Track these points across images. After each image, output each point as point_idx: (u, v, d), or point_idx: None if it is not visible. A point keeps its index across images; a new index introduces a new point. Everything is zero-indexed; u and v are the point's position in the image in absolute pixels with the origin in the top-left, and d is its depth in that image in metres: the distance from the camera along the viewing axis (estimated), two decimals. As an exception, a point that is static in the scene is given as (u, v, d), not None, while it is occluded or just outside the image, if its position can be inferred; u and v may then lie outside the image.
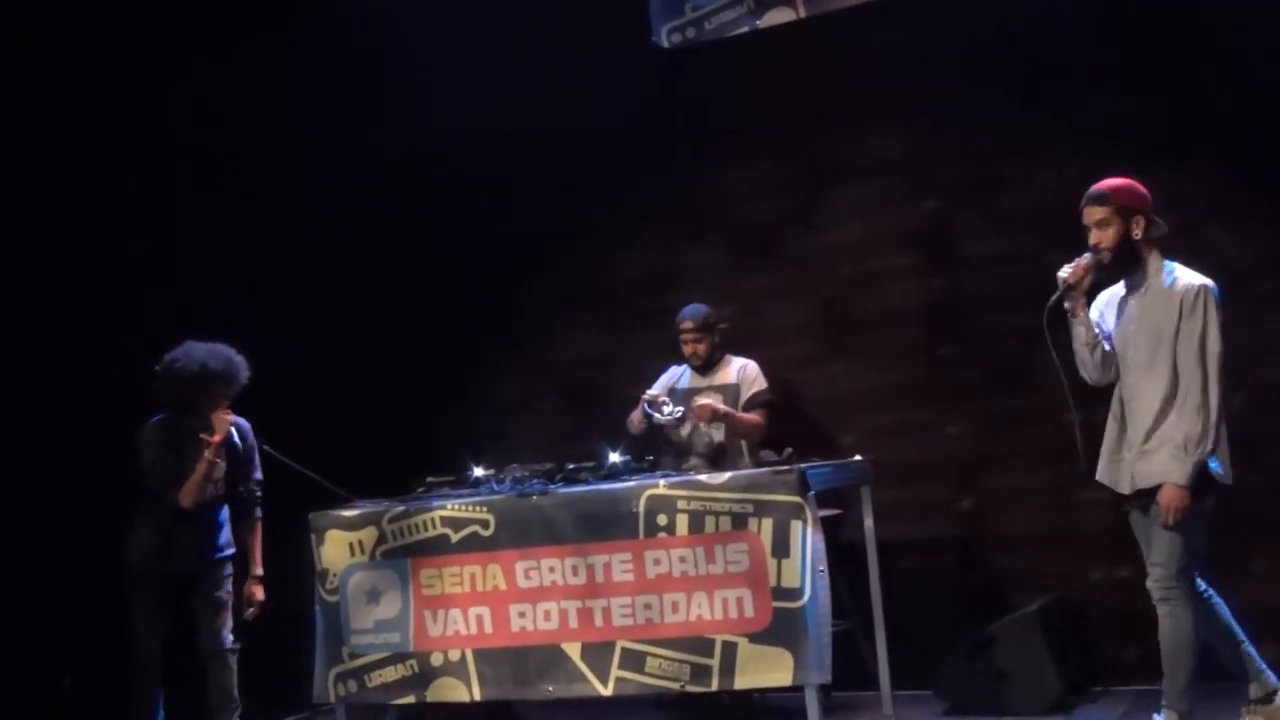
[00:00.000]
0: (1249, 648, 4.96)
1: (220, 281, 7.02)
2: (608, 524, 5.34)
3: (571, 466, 5.67)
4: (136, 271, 6.91)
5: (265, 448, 5.88)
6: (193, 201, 7.19)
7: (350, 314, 7.39)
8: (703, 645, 5.15)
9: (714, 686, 5.17)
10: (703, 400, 6.22)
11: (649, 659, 5.24)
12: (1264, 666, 4.97)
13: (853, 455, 5.95)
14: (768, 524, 5.09)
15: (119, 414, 5.87)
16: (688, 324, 6.38)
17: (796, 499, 5.07)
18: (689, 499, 5.23)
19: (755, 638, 5.07)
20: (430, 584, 5.61)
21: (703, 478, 5.32)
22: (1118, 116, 6.24)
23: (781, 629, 5.03)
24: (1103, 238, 4.80)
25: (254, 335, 5.89)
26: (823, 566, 5.05)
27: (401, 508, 5.70)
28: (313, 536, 5.81)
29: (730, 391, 6.38)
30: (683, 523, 5.22)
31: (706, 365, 6.42)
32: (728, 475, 5.28)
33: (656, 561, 5.26)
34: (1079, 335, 4.91)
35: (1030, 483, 6.37)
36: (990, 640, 5.76)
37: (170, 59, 7.03)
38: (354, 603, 5.73)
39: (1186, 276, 4.78)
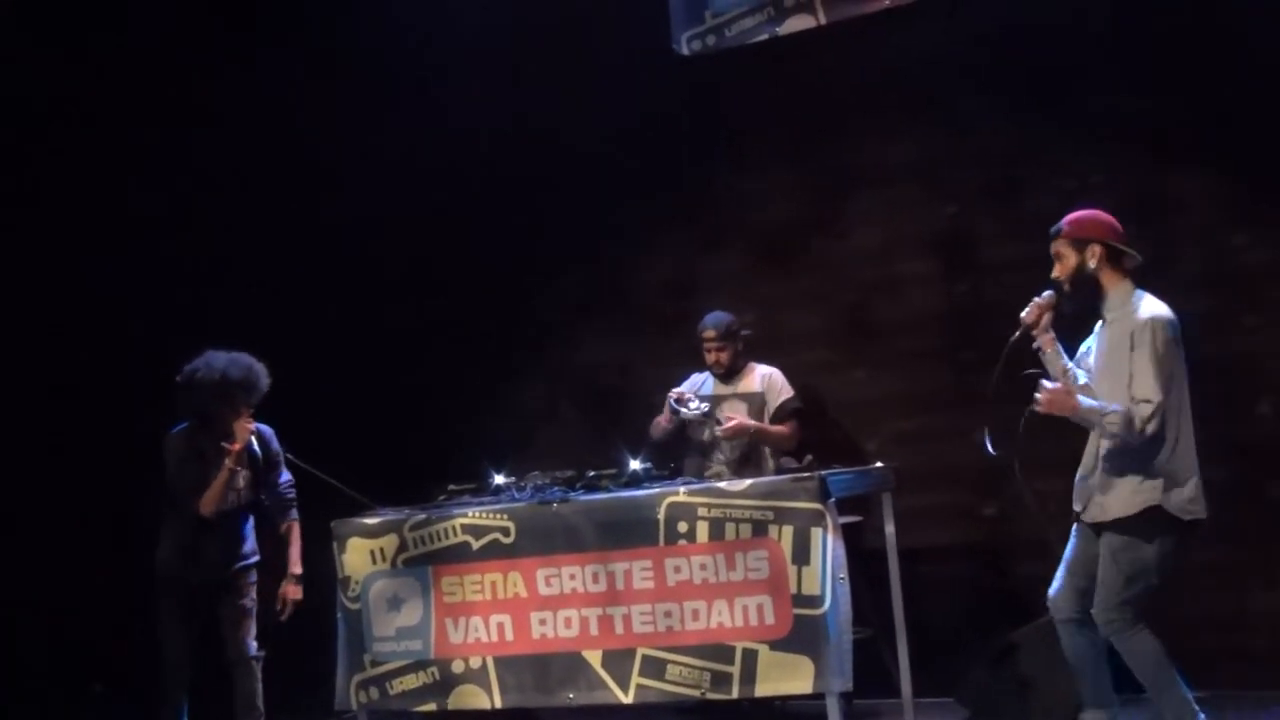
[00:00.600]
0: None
1: (242, 288, 7.06)
2: (628, 531, 5.33)
3: (592, 474, 5.67)
4: (159, 278, 6.96)
5: (289, 456, 5.90)
6: (214, 206, 7.23)
7: (371, 321, 7.41)
8: (723, 652, 5.14)
9: (734, 694, 5.15)
10: (729, 416, 6.19)
11: (669, 666, 5.23)
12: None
13: (874, 462, 5.93)
14: (788, 531, 5.07)
15: (148, 421, 5.90)
16: (710, 332, 6.37)
17: (817, 506, 5.05)
18: (709, 506, 5.22)
19: (776, 645, 5.06)
20: (451, 591, 5.61)
21: (723, 485, 5.32)
22: (1136, 121, 6.22)
23: (802, 636, 5.01)
24: (1059, 271, 4.85)
25: (275, 343, 5.91)
26: (843, 573, 5.03)
27: (423, 515, 5.71)
28: (334, 544, 5.82)
29: (755, 400, 6.38)
30: (703, 530, 5.21)
31: (729, 373, 6.42)
32: (748, 482, 5.27)
33: (677, 569, 5.25)
34: (1051, 370, 4.93)
35: (1054, 489, 6.33)
36: (1012, 648, 5.73)
37: (183, 59, 7.08)
38: (375, 610, 5.74)
39: (1148, 309, 4.72)
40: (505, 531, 5.53)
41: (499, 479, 5.83)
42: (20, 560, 6.54)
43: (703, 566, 5.21)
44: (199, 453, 5.69)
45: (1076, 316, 4.90)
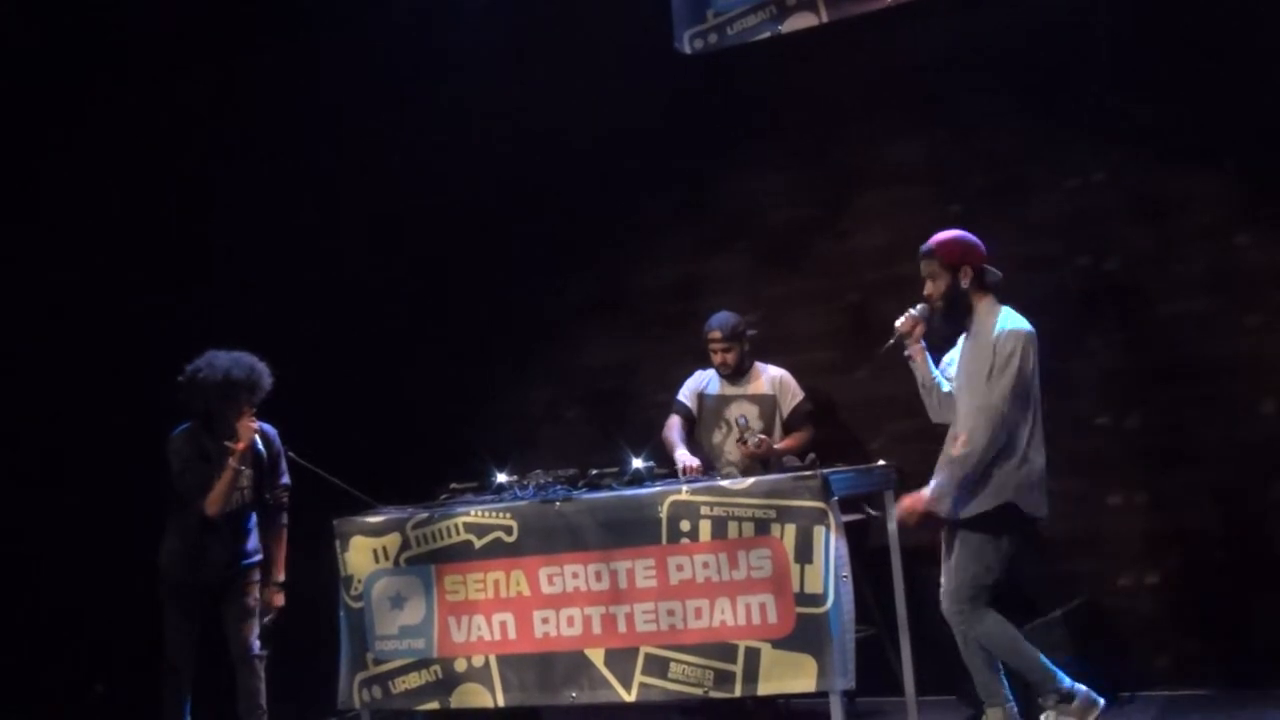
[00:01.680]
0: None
1: (246, 288, 7.06)
2: (631, 530, 5.33)
3: (595, 473, 5.66)
4: (162, 277, 6.96)
5: (290, 455, 5.90)
6: (216, 206, 7.24)
7: (374, 321, 7.42)
8: (726, 651, 5.14)
9: (737, 692, 5.16)
10: (760, 437, 6.16)
11: (672, 665, 5.23)
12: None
13: (877, 460, 5.93)
14: (791, 529, 5.07)
15: (152, 420, 5.91)
16: (716, 333, 6.36)
17: (820, 504, 5.05)
18: (712, 505, 5.22)
19: (779, 643, 5.06)
20: (454, 590, 5.62)
21: (725, 484, 5.32)
22: (1142, 120, 6.21)
23: (805, 635, 5.01)
24: (933, 290, 5.15)
25: (279, 343, 5.92)
26: (846, 572, 5.03)
27: (425, 514, 5.72)
28: (337, 543, 5.83)
29: (767, 402, 6.37)
30: (706, 529, 5.21)
31: (736, 374, 6.41)
32: (750, 481, 5.27)
33: (680, 567, 5.25)
34: (917, 378, 5.30)
35: (1057, 488, 6.30)
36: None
37: (190, 59, 7.09)
38: (378, 609, 5.74)
39: (1010, 323, 5.02)
40: (508, 530, 5.53)
41: (501, 478, 5.83)
42: (22, 560, 6.54)
43: (705, 565, 5.21)
44: (202, 453, 5.69)
45: (944, 333, 5.26)
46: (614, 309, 7.40)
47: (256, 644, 5.80)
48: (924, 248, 5.17)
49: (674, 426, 6.41)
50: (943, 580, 5.19)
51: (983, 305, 5.11)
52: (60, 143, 6.86)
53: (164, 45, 7.04)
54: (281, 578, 5.90)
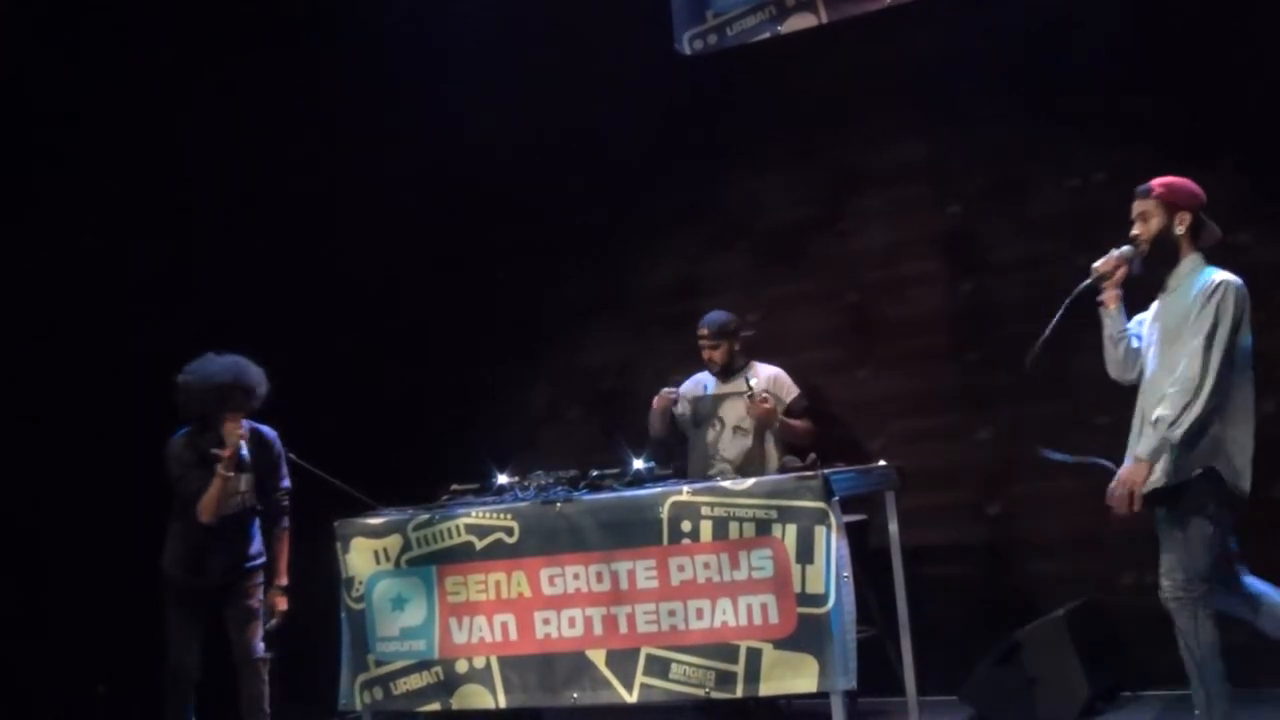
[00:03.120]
0: None
1: (246, 290, 7.06)
2: (632, 531, 5.33)
3: (595, 473, 5.67)
4: (162, 278, 6.96)
5: (291, 456, 5.90)
6: (217, 207, 7.24)
7: (374, 321, 7.42)
8: (727, 651, 5.13)
9: (739, 693, 5.15)
10: (762, 396, 6.17)
11: (674, 665, 5.22)
12: None
13: (878, 461, 5.93)
14: (792, 530, 5.07)
15: (152, 421, 5.90)
16: (704, 331, 6.38)
17: (821, 505, 5.05)
18: (713, 505, 5.21)
19: (780, 644, 5.05)
20: (455, 591, 5.61)
21: (726, 484, 5.31)
22: (1143, 120, 6.21)
23: (806, 635, 5.01)
24: (1142, 231, 4.76)
25: (280, 345, 5.92)
26: (847, 572, 5.03)
27: (426, 515, 5.71)
28: (338, 544, 5.82)
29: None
30: (707, 529, 5.21)
31: (726, 372, 6.41)
32: (751, 481, 5.26)
33: (681, 568, 5.25)
34: (1105, 326, 4.87)
35: (1059, 488, 6.32)
36: (1018, 645, 5.73)
37: (189, 62, 7.09)
38: (379, 610, 5.74)
39: (1217, 275, 4.66)
40: (509, 531, 5.53)
41: (502, 479, 5.83)
42: (24, 561, 6.55)
43: (706, 565, 5.21)
44: (201, 457, 5.68)
45: (1141, 279, 4.83)
46: (615, 310, 7.39)
47: (260, 646, 5.80)
48: (1142, 186, 4.77)
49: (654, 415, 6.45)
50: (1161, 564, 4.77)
51: (1189, 260, 4.71)
52: (56, 142, 6.86)
53: (163, 46, 7.04)
54: (285, 581, 5.90)
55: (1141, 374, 4.86)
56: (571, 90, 7.19)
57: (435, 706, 5.63)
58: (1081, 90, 6.32)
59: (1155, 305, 4.89)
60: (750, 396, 6.17)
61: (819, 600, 4.99)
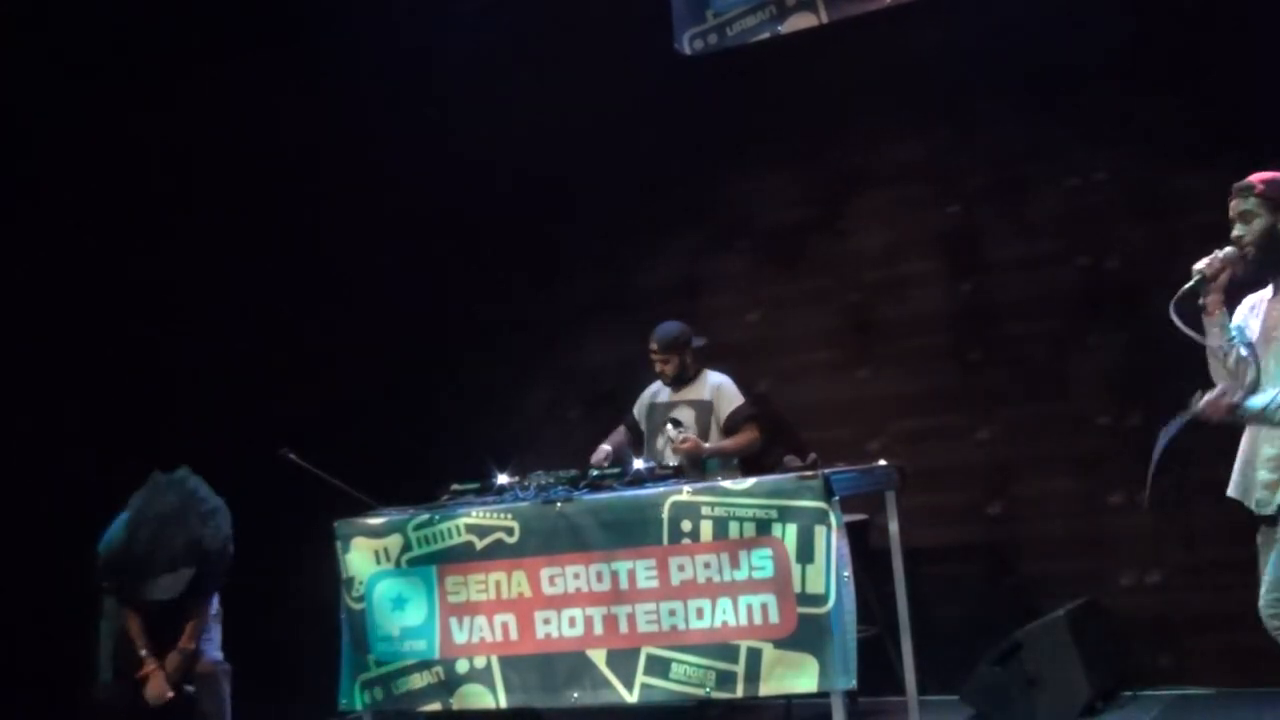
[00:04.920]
0: None
1: (246, 289, 7.06)
2: (632, 530, 5.32)
3: (596, 473, 5.67)
4: (162, 275, 6.95)
5: (292, 457, 5.85)
6: (219, 205, 7.24)
7: (374, 323, 7.41)
8: (728, 651, 5.12)
9: (739, 693, 5.15)
10: (685, 435, 6.14)
11: (674, 665, 5.22)
12: None
13: (878, 460, 5.92)
14: (792, 529, 5.06)
15: (153, 423, 5.87)
16: (654, 345, 6.35)
17: (821, 504, 5.04)
18: (713, 505, 5.21)
19: (780, 643, 5.04)
20: (456, 591, 5.61)
21: (727, 484, 5.30)
22: (1143, 119, 6.21)
23: (807, 635, 5.00)
24: (1245, 233, 4.35)
25: (280, 345, 5.91)
26: (848, 572, 5.02)
27: (426, 515, 5.71)
28: (338, 544, 5.82)
29: (703, 407, 6.33)
30: (707, 529, 5.20)
31: (677, 382, 6.39)
32: (752, 481, 5.26)
33: (681, 568, 5.24)
34: (1211, 336, 4.40)
35: (1059, 488, 6.33)
36: (1018, 645, 5.73)
37: (178, 62, 7.09)
38: (380, 610, 5.73)
39: None
40: (509, 531, 5.53)
41: (503, 479, 5.82)
42: (24, 561, 6.53)
43: (707, 565, 5.20)
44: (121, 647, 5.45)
45: (1244, 284, 4.44)
46: (614, 309, 7.38)
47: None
48: (1242, 183, 4.36)
49: (613, 433, 6.49)
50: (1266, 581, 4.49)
51: None
52: (56, 140, 6.87)
53: (163, 47, 7.05)
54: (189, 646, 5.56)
55: (1255, 380, 4.36)
56: (572, 89, 7.19)
57: (436, 706, 5.62)
58: (1081, 89, 6.32)
59: (1253, 304, 4.48)
60: (670, 440, 6.15)
61: (819, 600, 4.99)
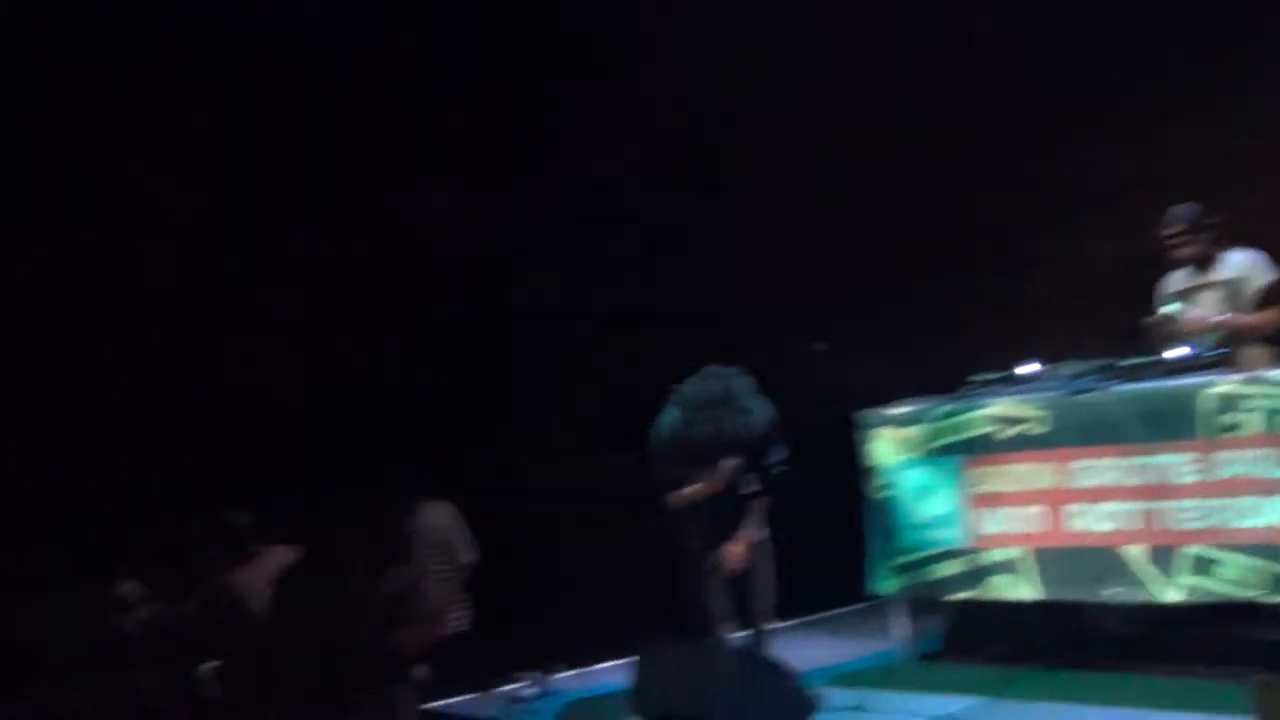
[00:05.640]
0: None
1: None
2: (1169, 423, 5.08)
3: (1128, 362, 5.42)
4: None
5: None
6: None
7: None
8: (1281, 554, 4.81)
9: (1294, 601, 4.83)
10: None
11: (1219, 566, 4.96)
12: None
13: None
14: (1353, 420, 4.67)
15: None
16: (1173, 227, 5.81)
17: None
18: (1260, 396, 4.88)
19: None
20: (982, 481, 5.57)
21: (1275, 373, 4.94)
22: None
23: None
24: None
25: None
26: None
27: (950, 406, 5.69)
28: (861, 434, 5.90)
29: (1230, 286, 5.77)
30: (1254, 422, 4.88)
31: (1200, 263, 5.86)
32: (1307, 370, 4.88)
33: (1225, 463, 4.95)
34: None
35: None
36: None
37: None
38: (906, 499, 5.78)
39: None
40: (1037, 421, 5.42)
41: (1027, 368, 5.69)
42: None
43: (1255, 461, 4.88)
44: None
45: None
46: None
47: None
48: None
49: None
50: None
51: None
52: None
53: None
54: None
55: None
56: None
57: (966, 595, 5.63)
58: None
59: None
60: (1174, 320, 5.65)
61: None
